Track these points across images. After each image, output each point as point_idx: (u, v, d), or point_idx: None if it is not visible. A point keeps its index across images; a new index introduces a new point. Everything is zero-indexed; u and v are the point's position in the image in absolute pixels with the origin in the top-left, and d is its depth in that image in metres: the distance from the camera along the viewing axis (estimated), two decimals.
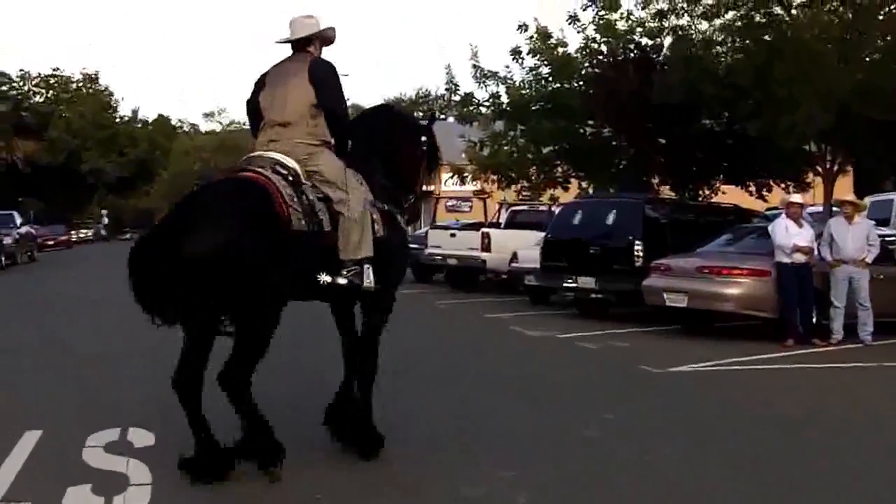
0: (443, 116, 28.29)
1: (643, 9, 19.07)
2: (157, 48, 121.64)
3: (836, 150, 16.85)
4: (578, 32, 19.83)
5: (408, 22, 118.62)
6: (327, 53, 5.44)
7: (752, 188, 19.96)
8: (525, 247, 16.11)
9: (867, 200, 12.70)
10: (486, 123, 23.12)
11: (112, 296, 9.67)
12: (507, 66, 21.31)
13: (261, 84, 5.32)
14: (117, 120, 61.88)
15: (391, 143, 5.59)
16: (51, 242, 40.88)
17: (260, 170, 4.94)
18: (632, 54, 19.11)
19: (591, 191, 21.18)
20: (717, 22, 17.29)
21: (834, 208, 13.97)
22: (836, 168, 17.02)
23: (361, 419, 5.33)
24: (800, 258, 10.58)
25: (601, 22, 19.39)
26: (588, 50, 19.70)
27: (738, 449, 5.76)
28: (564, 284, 13.80)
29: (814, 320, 10.70)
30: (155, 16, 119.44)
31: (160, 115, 71.63)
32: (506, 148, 22.73)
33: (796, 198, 11.52)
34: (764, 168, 18.99)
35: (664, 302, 11.46)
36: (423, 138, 5.81)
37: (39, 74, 57.86)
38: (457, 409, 6.80)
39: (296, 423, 5.95)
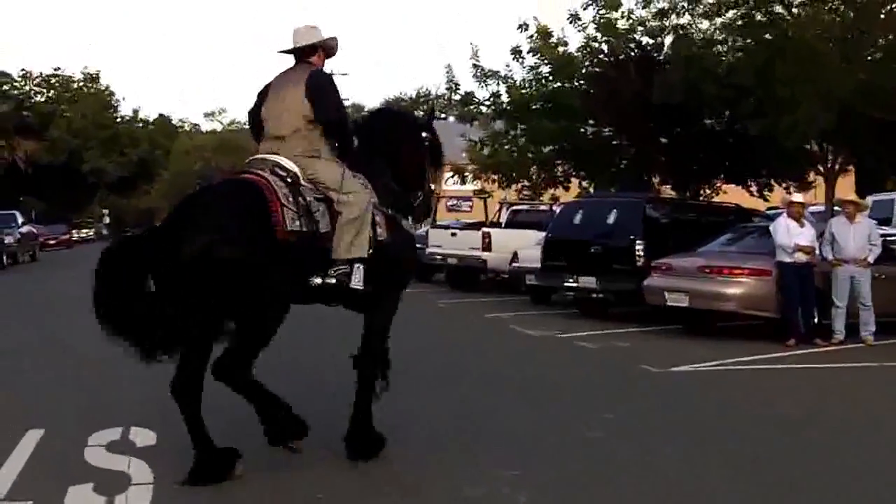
0: (443, 116, 28.25)
1: (644, 7, 19.09)
2: (157, 48, 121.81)
3: (838, 150, 16.85)
4: (579, 31, 19.86)
5: (408, 22, 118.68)
6: (329, 63, 5.46)
7: (754, 188, 19.97)
8: (526, 246, 16.11)
9: (869, 200, 12.65)
10: (486, 123, 23.13)
11: None
12: (508, 66, 21.34)
13: (263, 95, 5.34)
14: (118, 120, 61.89)
15: (392, 143, 5.60)
16: (52, 242, 40.94)
17: (259, 171, 4.99)
18: (632, 53, 19.11)
19: (591, 190, 21.18)
20: (718, 21, 17.29)
21: (835, 208, 13.96)
22: (837, 167, 17.02)
23: (361, 420, 5.33)
24: (801, 258, 10.57)
25: (602, 21, 19.38)
26: (589, 49, 19.69)
27: (738, 449, 5.76)
28: (565, 284, 13.80)
29: (815, 320, 10.69)
30: (155, 16, 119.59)
31: (161, 115, 71.66)
32: (506, 147, 22.74)
33: (798, 197, 11.50)
34: (765, 167, 19.00)
35: (665, 301, 11.46)
36: (425, 134, 5.81)
37: (41, 74, 57.91)
38: (457, 409, 6.81)
39: None
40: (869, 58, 15.11)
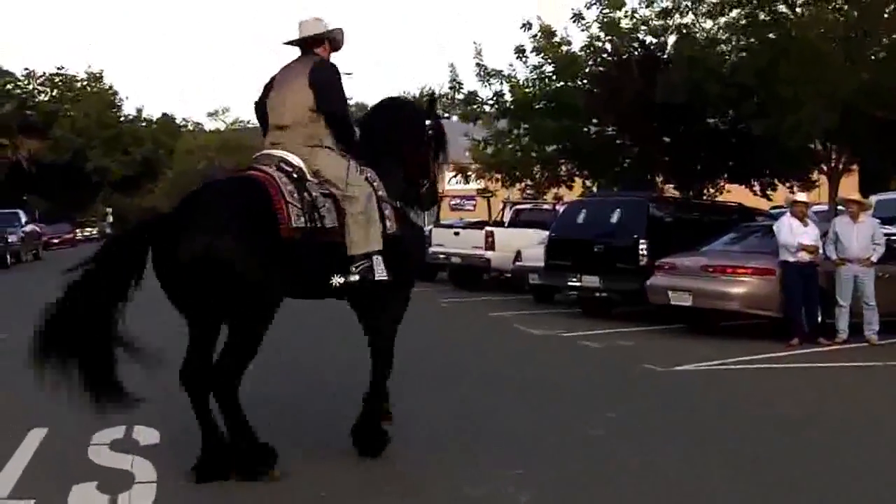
0: (446, 115, 28.29)
1: (647, 7, 19.09)
2: (158, 48, 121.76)
3: (841, 149, 16.82)
4: (582, 31, 19.88)
5: (409, 21, 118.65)
6: (335, 57, 5.46)
7: (757, 187, 19.96)
8: (529, 245, 16.12)
9: (872, 199, 12.61)
10: (489, 122, 23.14)
11: None
12: (511, 65, 21.36)
13: (269, 86, 5.35)
14: (122, 119, 61.95)
15: (397, 133, 5.57)
16: (56, 241, 40.95)
17: (264, 167, 4.98)
18: (636, 53, 19.11)
19: (595, 189, 21.18)
20: (722, 20, 17.29)
21: (839, 207, 13.94)
22: (841, 167, 16.99)
23: (369, 416, 5.33)
24: (804, 257, 10.57)
25: (605, 20, 19.39)
26: (592, 48, 19.70)
27: (739, 449, 5.76)
28: (568, 283, 13.80)
29: (819, 319, 10.68)
30: (157, 15, 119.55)
31: (164, 114, 71.67)
32: (509, 146, 22.76)
33: (801, 196, 11.50)
34: (768, 167, 18.99)
35: (668, 301, 11.46)
36: (428, 122, 5.81)
37: (44, 73, 58.02)
38: (459, 409, 6.81)
39: (297, 422, 5.98)
40: (872, 57, 15.09)
